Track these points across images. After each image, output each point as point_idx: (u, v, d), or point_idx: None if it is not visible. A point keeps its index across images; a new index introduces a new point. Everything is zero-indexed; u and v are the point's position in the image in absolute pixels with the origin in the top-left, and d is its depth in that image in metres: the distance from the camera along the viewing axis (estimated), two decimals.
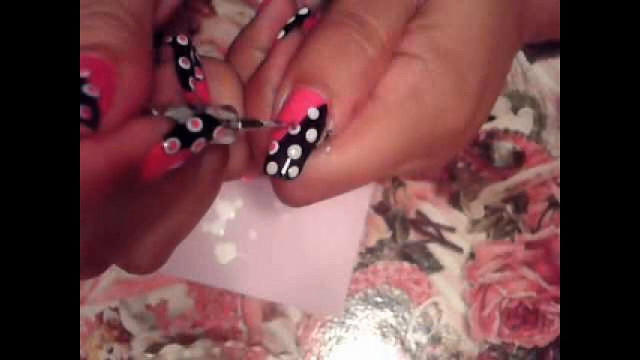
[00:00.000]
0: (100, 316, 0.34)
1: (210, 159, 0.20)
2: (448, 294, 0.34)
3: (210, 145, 0.18)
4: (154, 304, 0.34)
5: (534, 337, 0.34)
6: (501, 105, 0.34)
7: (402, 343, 0.34)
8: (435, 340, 0.34)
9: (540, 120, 0.35)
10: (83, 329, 0.34)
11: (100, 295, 0.34)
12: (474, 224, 0.34)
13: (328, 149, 0.19)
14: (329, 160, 0.20)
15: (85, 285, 0.34)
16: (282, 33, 0.22)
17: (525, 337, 0.34)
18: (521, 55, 0.34)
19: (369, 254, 0.34)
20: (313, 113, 0.19)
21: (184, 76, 0.20)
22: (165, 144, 0.17)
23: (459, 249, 0.34)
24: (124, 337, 0.34)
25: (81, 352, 0.34)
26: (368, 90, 0.20)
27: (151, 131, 0.17)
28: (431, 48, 0.20)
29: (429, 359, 0.34)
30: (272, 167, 0.19)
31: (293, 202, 0.21)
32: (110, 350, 0.34)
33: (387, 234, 0.34)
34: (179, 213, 0.20)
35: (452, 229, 0.34)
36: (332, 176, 0.20)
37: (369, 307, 0.34)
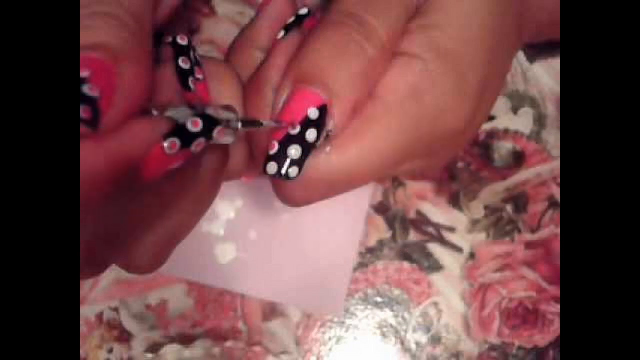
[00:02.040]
0: (100, 316, 0.34)
1: (210, 159, 0.20)
2: (448, 294, 0.34)
3: (210, 145, 0.18)
4: (154, 304, 0.34)
5: (534, 337, 0.34)
6: (501, 105, 0.34)
7: (402, 343, 0.34)
8: (435, 340, 0.34)
9: (540, 120, 0.35)
10: (83, 329, 0.34)
11: (100, 295, 0.34)
12: (474, 224, 0.34)
13: (328, 149, 0.19)
14: (329, 160, 0.19)
15: (85, 285, 0.34)
16: (282, 33, 0.22)
17: (525, 337, 0.34)
18: (521, 55, 0.34)
19: (369, 254, 0.34)
20: (313, 113, 0.19)
21: (184, 76, 0.20)
22: (165, 144, 0.17)
23: (459, 249, 0.34)
24: (124, 337, 0.34)
25: (81, 352, 0.34)
26: (368, 90, 0.20)
27: (151, 131, 0.17)
28: (431, 48, 0.20)
29: (429, 359, 0.34)
30: (272, 167, 0.19)
31: (293, 202, 0.21)
32: (110, 350, 0.34)
33: (387, 234, 0.34)
34: (179, 213, 0.20)
35: (452, 229, 0.34)
36: (332, 176, 0.20)
37: (369, 307, 0.34)
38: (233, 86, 0.22)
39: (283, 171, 0.19)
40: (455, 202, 0.34)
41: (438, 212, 0.34)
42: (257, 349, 0.33)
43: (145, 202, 0.19)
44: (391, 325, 0.34)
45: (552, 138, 0.34)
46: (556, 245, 0.34)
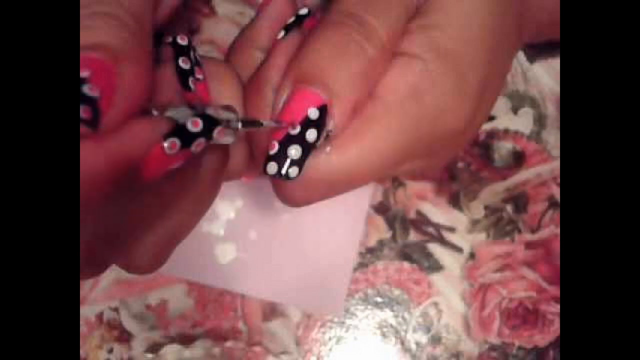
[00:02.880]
0: (100, 316, 0.34)
1: (210, 159, 0.20)
2: (448, 294, 0.34)
3: (210, 145, 0.18)
4: (154, 304, 0.34)
5: (534, 337, 0.34)
6: (501, 105, 0.34)
7: (402, 343, 0.34)
8: (435, 340, 0.34)
9: (540, 120, 0.35)
10: (83, 329, 0.34)
11: (100, 295, 0.34)
12: (474, 224, 0.34)
13: (328, 149, 0.19)
14: (329, 160, 0.20)
15: (85, 285, 0.34)
16: (282, 33, 0.22)
17: (525, 337, 0.34)
18: (521, 55, 0.34)
19: (369, 254, 0.34)
20: (313, 113, 0.19)
21: (184, 76, 0.20)
22: (165, 144, 0.17)
23: (459, 249, 0.34)
24: (124, 337, 0.34)
25: (81, 352, 0.34)
26: (368, 90, 0.20)
27: (151, 131, 0.17)
28: (431, 48, 0.20)
29: (429, 359, 0.34)
30: (272, 167, 0.19)
31: (293, 202, 0.21)
32: (110, 350, 0.34)
33: (387, 234, 0.34)
34: (179, 213, 0.20)
35: (452, 229, 0.34)
36: (332, 176, 0.20)
37: (369, 307, 0.34)
38: (233, 86, 0.22)
39: (283, 171, 0.19)
40: (455, 202, 0.34)
41: (438, 212, 0.34)
42: (257, 349, 0.33)
43: (145, 202, 0.19)
44: (391, 325, 0.34)
45: (552, 138, 0.34)
46: (556, 245, 0.34)
